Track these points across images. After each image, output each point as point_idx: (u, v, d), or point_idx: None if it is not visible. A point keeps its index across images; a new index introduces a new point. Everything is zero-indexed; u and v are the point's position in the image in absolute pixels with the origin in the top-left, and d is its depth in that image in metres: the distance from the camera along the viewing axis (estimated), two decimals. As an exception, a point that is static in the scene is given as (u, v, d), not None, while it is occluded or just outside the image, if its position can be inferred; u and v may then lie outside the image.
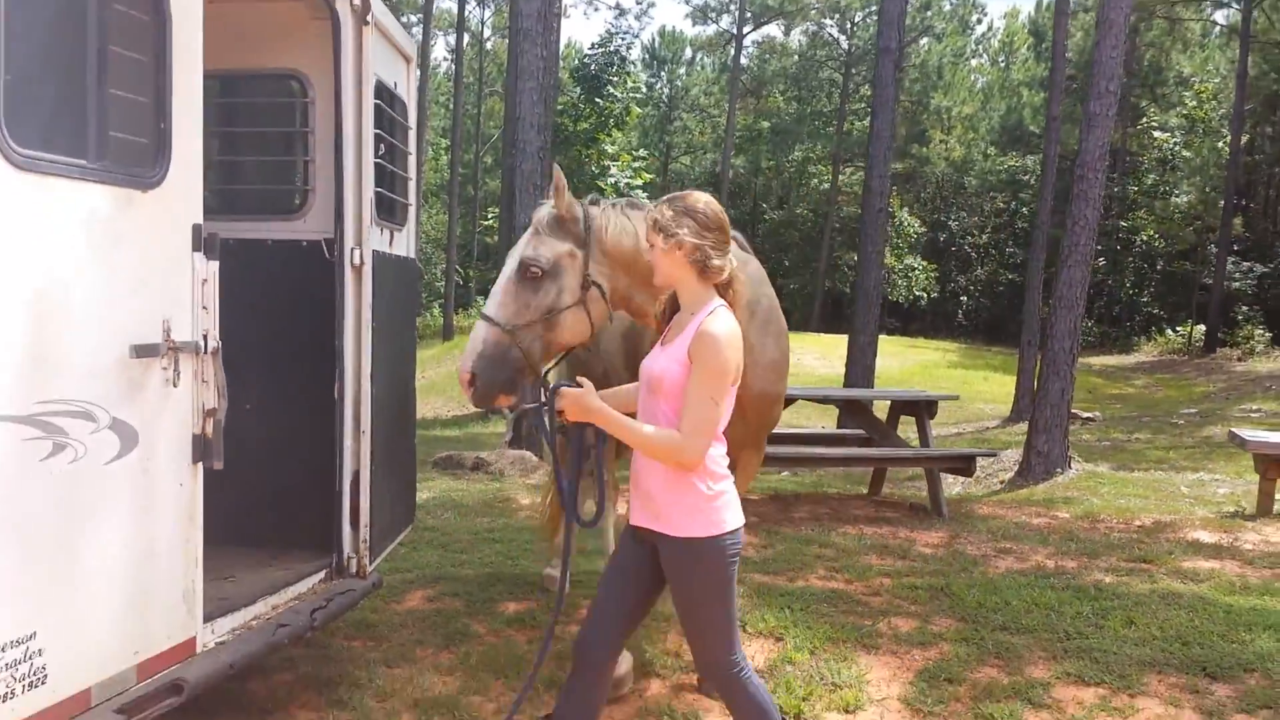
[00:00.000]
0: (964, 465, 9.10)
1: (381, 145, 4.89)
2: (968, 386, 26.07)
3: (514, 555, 7.09)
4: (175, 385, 3.42)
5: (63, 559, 3.00)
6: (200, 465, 3.56)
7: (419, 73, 39.31)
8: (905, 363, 30.08)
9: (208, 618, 3.73)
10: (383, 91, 4.96)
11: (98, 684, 3.16)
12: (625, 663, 4.57)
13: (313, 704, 4.51)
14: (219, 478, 3.66)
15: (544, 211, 3.97)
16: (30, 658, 2.90)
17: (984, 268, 45.11)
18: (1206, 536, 8.00)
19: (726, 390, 3.18)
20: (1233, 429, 11.10)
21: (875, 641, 5.38)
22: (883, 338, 34.93)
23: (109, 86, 3.18)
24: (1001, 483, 12.27)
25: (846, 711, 4.60)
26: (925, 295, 42.94)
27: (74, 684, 3.07)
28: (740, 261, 4.27)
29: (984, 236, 45.42)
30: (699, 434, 3.12)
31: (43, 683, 2.94)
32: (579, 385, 3.33)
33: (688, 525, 3.24)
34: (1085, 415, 20.29)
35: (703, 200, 3.30)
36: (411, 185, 5.50)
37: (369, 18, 4.68)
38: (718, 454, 3.29)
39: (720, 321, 3.18)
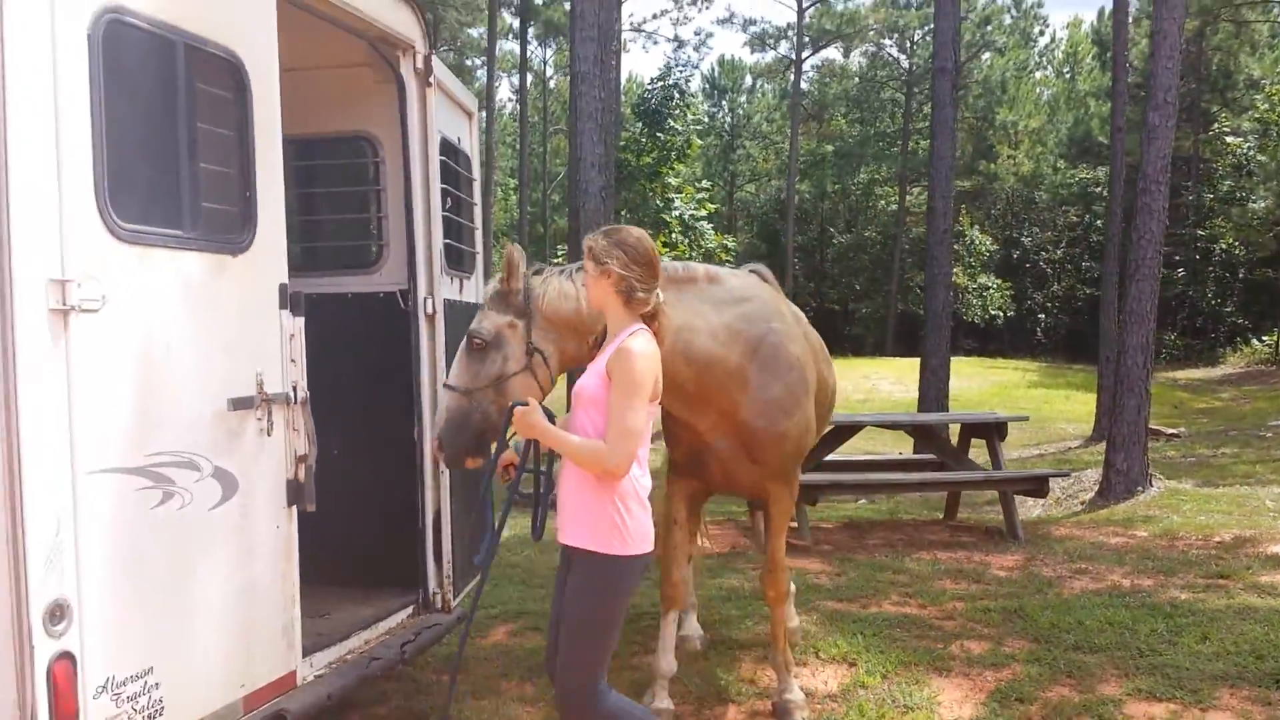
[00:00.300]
0: (1037, 487, 9.06)
1: (448, 198, 5.15)
2: (1048, 406, 25.73)
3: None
4: (269, 434, 3.68)
5: (174, 599, 3.25)
6: (294, 508, 3.81)
7: (484, 117, 40.14)
8: (983, 384, 29.74)
9: (306, 652, 3.97)
10: (447, 147, 5.23)
11: (208, 715, 3.40)
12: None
13: (403, 734, 4.71)
14: (311, 520, 3.90)
15: (490, 286, 4.16)
16: (149, 691, 3.14)
17: (1060, 283, 44.38)
18: (1289, 550, 7.89)
19: (644, 401, 3.34)
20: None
21: (947, 664, 5.45)
22: (960, 359, 34.63)
23: (199, 161, 3.46)
24: (1082, 503, 12.13)
25: (919, 732, 4.68)
26: (1001, 314, 42.36)
27: (187, 716, 3.30)
28: (742, 298, 4.48)
29: (1059, 251, 44.71)
30: (621, 441, 3.31)
31: (160, 714, 3.18)
32: (526, 404, 3.56)
33: (588, 539, 3.42)
34: (1169, 431, 19.92)
35: (634, 235, 3.50)
36: (478, 234, 5.76)
37: (431, 79, 4.96)
38: (644, 482, 3.46)
39: (638, 341, 3.39)
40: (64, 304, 2.85)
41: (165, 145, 3.35)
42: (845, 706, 4.91)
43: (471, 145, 5.82)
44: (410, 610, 4.86)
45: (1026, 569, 7.63)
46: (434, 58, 5.03)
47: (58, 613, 2.81)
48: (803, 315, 5.21)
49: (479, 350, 4.03)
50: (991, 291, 41.67)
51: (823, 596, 6.86)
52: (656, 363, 3.42)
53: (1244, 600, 6.54)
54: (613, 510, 3.39)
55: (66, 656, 2.84)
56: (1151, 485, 11.81)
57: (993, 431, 9.35)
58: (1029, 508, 12.51)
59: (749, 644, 5.87)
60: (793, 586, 5.63)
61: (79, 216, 2.93)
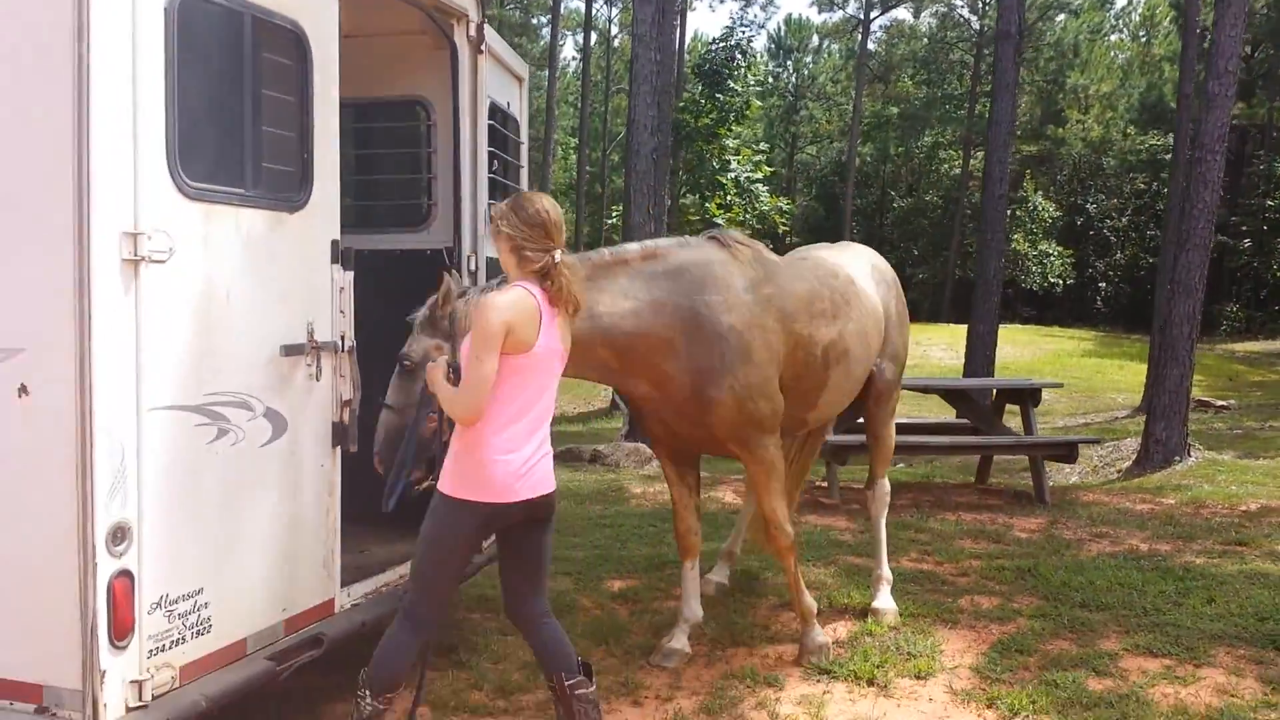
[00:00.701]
0: (1066, 452, 9.22)
1: (495, 161, 5.43)
2: (1100, 376, 25.56)
3: (623, 539, 7.59)
4: (318, 379, 4.02)
5: (225, 527, 3.61)
6: (338, 449, 4.15)
7: (546, 75, 40.25)
8: (1037, 352, 29.55)
9: (345, 583, 4.33)
10: (496, 112, 5.50)
11: (251, 635, 3.76)
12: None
13: (436, 665, 5.07)
14: (354, 461, 4.24)
15: (420, 312, 4.27)
16: (198, 609, 3.51)
17: (1124, 252, 43.65)
18: (1313, 523, 8.00)
19: (491, 352, 3.47)
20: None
21: (955, 617, 5.70)
22: (1016, 327, 34.35)
23: (262, 124, 3.76)
24: (1119, 472, 12.21)
25: (918, 678, 4.94)
26: (1061, 282, 41.83)
27: (232, 634, 3.67)
28: (680, 270, 4.64)
29: (1124, 219, 43.91)
30: (466, 390, 3.52)
31: (208, 631, 3.55)
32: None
33: (442, 477, 3.69)
34: (1218, 404, 19.78)
35: (534, 203, 3.67)
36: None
37: (483, 46, 5.22)
38: (506, 434, 3.58)
39: (501, 294, 3.58)
40: (135, 254, 3.18)
41: (231, 110, 3.66)
42: (851, 652, 5.18)
43: (521, 110, 6.09)
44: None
45: (1048, 532, 7.82)
46: (486, 25, 5.29)
47: (119, 534, 3.17)
48: (790, 267, 5.21)
49: (409, 372, 4.17)
50: (1052, 258, 41.10)
51: (844, 552, 7.13)
52: (514, 313, 3.51)
53: (1257, 566, 6.70)
54: (456, 452, 3.64)
55: (125, 574, 3.20)
56: (1190, 455, 11.86)
57: (1026, 397, 9.50)
58: (1065, 474, 12.62)
59: (766, 594, 6.17)
60: (888, 573, 5.95)
61: (151, 175, 3.26)
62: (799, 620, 5.26)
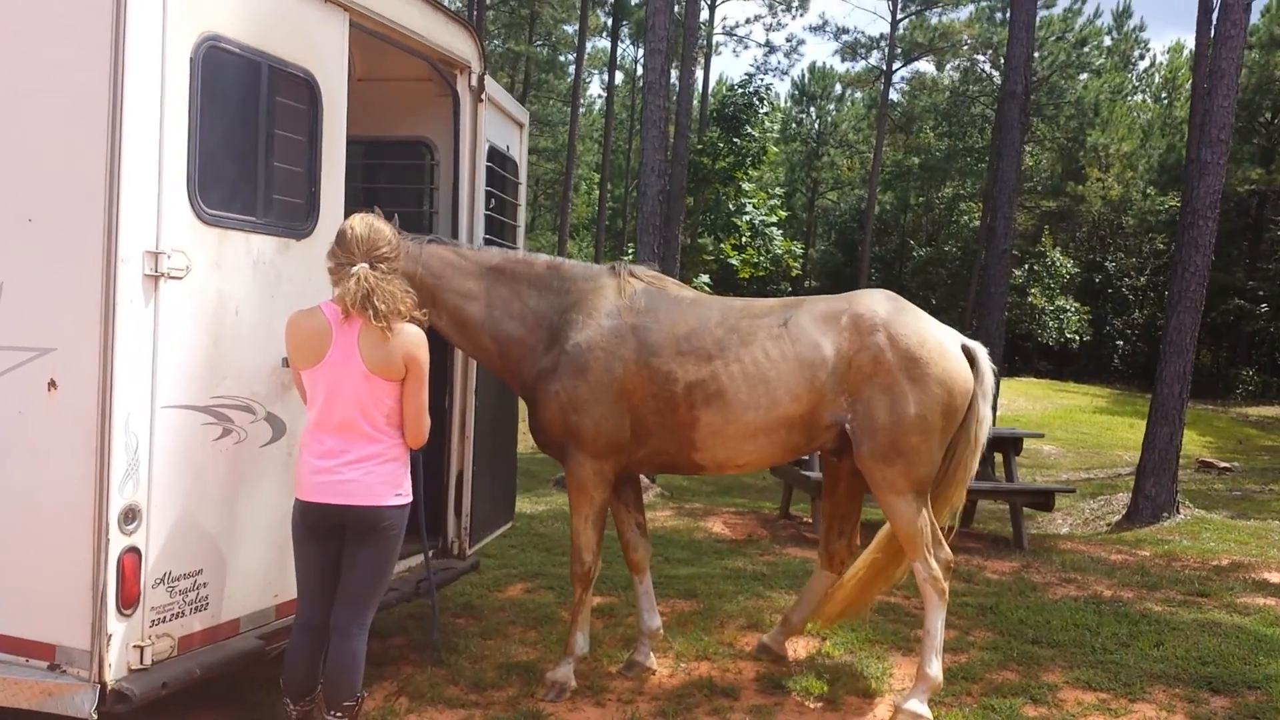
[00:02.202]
0: (1043, 500, 9.53)
1: (492, 199, 5.88)
2: (1109, 433, 25.72)
3: (608, 559, 7.91)
4: (314, 390, 4.43)
5: (225, 516, 4.03)
6: (331, 454, 4.55)
7: (569, 113, 41.00)
8: (1049, 407, 29.76)
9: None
10: (495, 154, 5.95)
11: (245, 616, 4.18)
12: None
13: (416, 662, 5.46)
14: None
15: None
16: (197, 588, 3.92)
17: (1142, 311, 43.80)
18: (1276, 577, 8.25)
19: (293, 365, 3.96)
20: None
21: (911, 645, 6.02)
22: (1029, 381, 34.51)
23: (274, 160, 4.22)
24: (1108, 525, 12.48)
25: (865, 696, 5.28)
26: (1078, 338, 41.99)
27: (228, 613, 4.09)
28: (566, 289, 5.10)
29: (1142, 279, 44.10)
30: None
31: (205, 608, 3.96)
32: None
33: None
34: (1222, 465, 19.97)
35: (344, 224, 3.99)
36: (520, 231, 6.48)
37: (483, 95, 5.69)
38: (310, 436, 3.90)
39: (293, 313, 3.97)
40: (156, 271, 3.64)
41: (247, 147, 4.12)
42: (805, 671, 5.53)
43: (520, 153, 6.55)
44: (430, 555, 5.59)
45: (1019, 575, 8.13)
46: (487, 77, 5.76)
47: (130, 515, 3.60)
48: (685, 305, 5.13)
49: None
50: (1069, 314, 41.31)
51: (816, 582, 7.47)
52: (289, 340, 3.91)
53: (1213, 616, 6.98)
54: None
55: (134, 551, 3.63)
56: (1179, 512, 12.09)
57: (1009, 446, 9.84)
58: (1057, 525, 12.92)
59: (736, 615, 6.51)
60: (935, 675, 5.03)
61: (172, 202, 3.73)
62: (564, 648, 5.34)
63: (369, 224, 3.95)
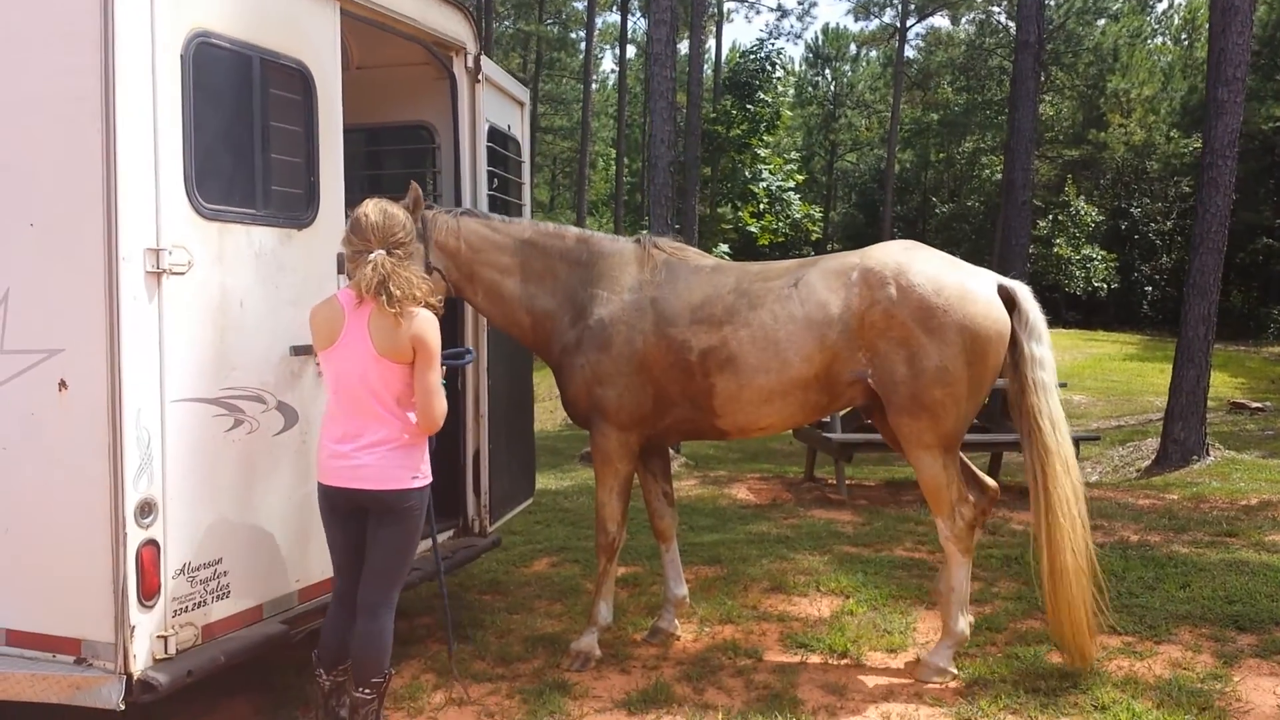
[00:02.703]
0: (1067, 449, 9.45)
1: (494, 179, 5.90)
2: (1140, 379, 25.46)
3: (632, 531, 7.96)
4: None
5: (242, 504, 4.10)
6: (345, 439, 4.62)
7: (581, 89, 40.87)
8: (1077, 357, 29.45)
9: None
10: (496, 134, 5.97)
11: (268, 601, 4.26)
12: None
13: (443, 639, 5.52)
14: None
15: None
16: (218, 576, 4.00)
17: (1170, 256, 43.24)
18: (1306, 515, 8.21)
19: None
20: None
21: (935, 600, 6.04)
22: (1058, 332, 34.19)
23: (271, 152, 4.26)
24: (1138, 471, 12.44)
25: (889, 651, 5.31)
26: (1105, 286, 41.57)
27: (250, 600, 4.16)
28: (593, 261, 5.14)
29: (1169, 223, 43.49)
30: None
31: (227, 596, 4.04)
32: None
33: None
34: (1254, 405, 19.75)
35: (357, 211, 3.99)
36: (526, 209, 6.50)
37: (480, 76, 5.70)
38: (328, 419, 4.00)
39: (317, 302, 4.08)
40: (158, 267, 3.70)
41: (242, 140, 4.16)
42: (828, 629, 5.56)
43: (522, 132, 6.56)
44: (450, 533, 5.67)
45: (1044, 526, 8.10)
46: (483, 57, 5.78)
47: (146, 508, 3.67)
48: (702, 274, 5.12)
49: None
50: (1095, 263, 40.87)
51: (841, 542, 7.50)
52: (312, 318, 4.00)
53: (1240, 555, 6.95)
54: None
55: (152, 544, 3.71)
56: (1208, 455, 12.04)
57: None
58: (1086, 473, 12.85)
59: (759, 578, 6.56)
60: (962, 629, 5.02)
61: (171, 199, 3.77)
62: (588, 619, 5.40)
63: (383, 210, 3.96)
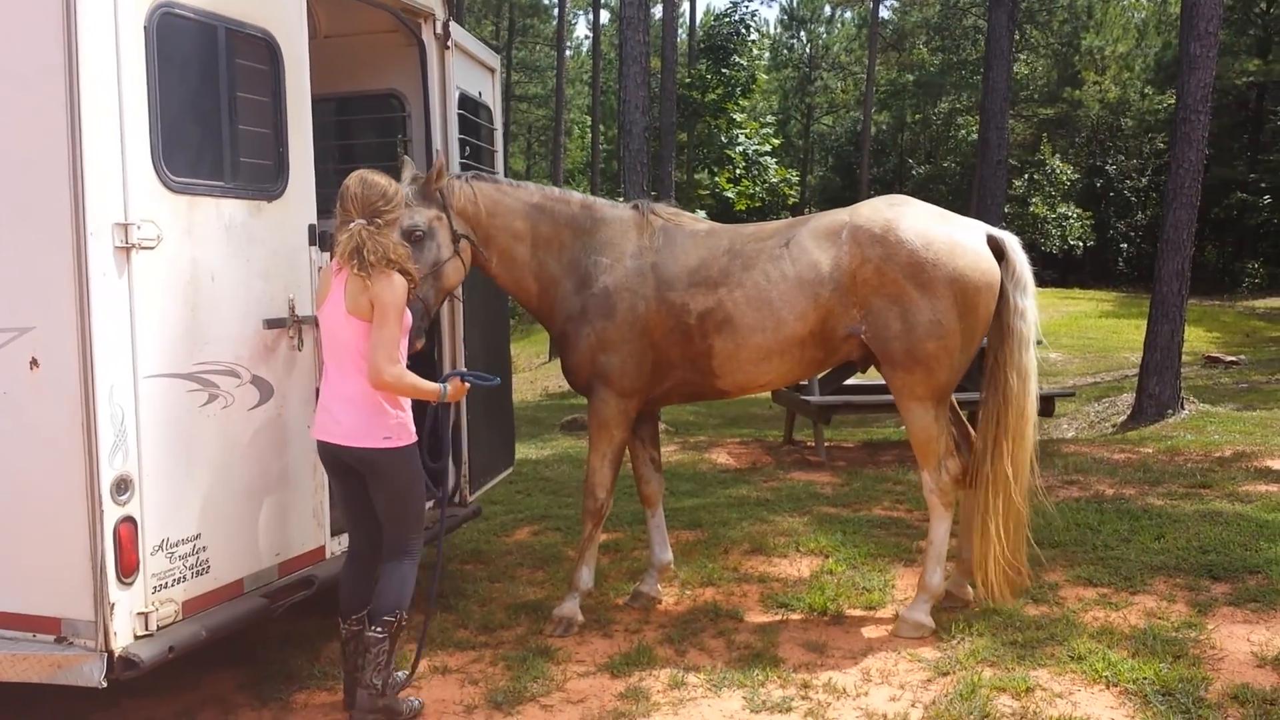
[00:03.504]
0: (1044, 406, 9.51)
1: (466, 147, 5.86)
2: (1117, 336, 25.65)
3: (617, 498, 8.02)
4: (300, 349, 4.48)
5: (219, 479, 4.08)
6: (322, 411, 4.60)
7: (555, 56, 40.54)
8: (1054, 315, 29.58)
9: (335, 532, 4.78)
10: (467, 101, 5.92)
11: (248, 575, 4.25)
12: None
13: (426, 609, 5.54)
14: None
15: (409, 187, 4.82)
16: (197, 552, 3.99)
17: (1145, 212, 43.41)
18: (1278, 464, 8.31)
19: None
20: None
21: (913, 556, 6.11)
22: (1037, 290, 34.30)
23: (238, 123, 4.21)
24: (1114, 427, 12.55)
25: (868, 608, 5.38)
26: (1081, 244, 41.71)
27: (230, 574, 4.15)
28: (594, 228, 5.17)
29: (1144, 180, 43.63)
30: None
31: (206, 571, 4.03)
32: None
33: None
34: (1228, 359, 19.95)
35: (343, 184, 4.15)
36: (499, 177, 6.45)
37: (450, 42, 5.65)
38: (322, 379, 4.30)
39: None
40: (127, 242, 3.66)
41: (209, 112, 4.11)
42: (808, 589, 5.62)
43: (494, 98, 6.51)
44: (430, 504, 5.66)
45: (1022, 482, 8.18)
46: (452, 23, 5.72)
47: (122, 485, 3.65)
48: (699, 238, 5.17)
49: (418, 242, 4.76)
50: (1071, 221, 40.98)
51: (820, 503, 7.56)
52: (320, 283, 4.30)
53: (1214, 506, 7.06)
54: None
55: (129, 520, 3.69)
56: (1183, 408, 12.17)
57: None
58: (1062, 430, 12.99)
59: (739, 540, 6.61)
60: (935, 585, 5.10)
61: (138, 173, 3.72)
62: (569, 584, 5.42)
63: (363, 180, 4.10)
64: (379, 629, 4.14)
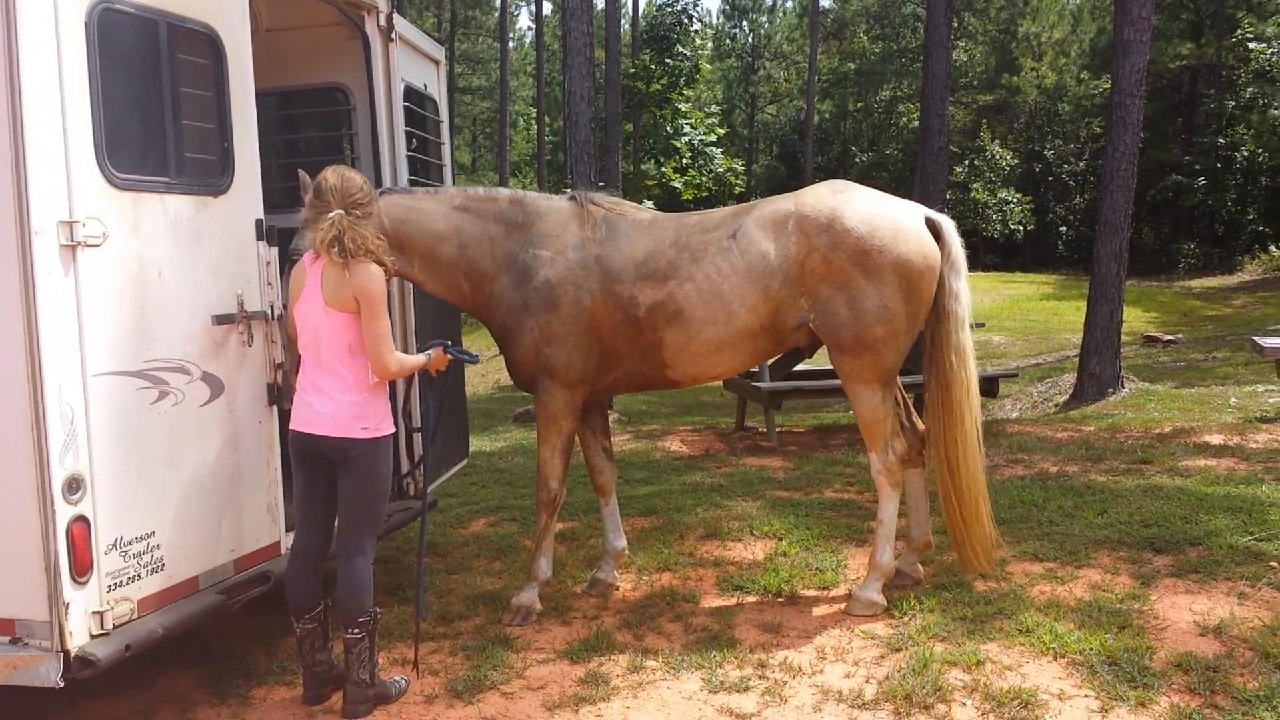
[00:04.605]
0: (987, 387, 9.71)
1: (413, 139, 5.85)
2: (1057, 318, 26.11)
3: (569, 487, 8.05)
4: (250, 345, 4.46)
5: (172, 477, 4.07)
6: (274, 407, 4.60)
7: (499, 49, 40.36)
8: (996, 299, 30.06)
9: (289, 528, 4.77)
10: (412, 94, 5.92)
11: (203, 572, 4.23)
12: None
13: (383, 602, 5.54)
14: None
15: (304, 213, 4.51)
16: (151, 550, 3.97)
17: (1083, 196, 44.20)
18: (1216, 439, 8.55)
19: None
20: (1253, 336, 11.45)
21: (864, 537, 6.21)
22: (979, 275, 34.78)
23: (182, 118, 4.18)
24: (1056, 406, 12.81)
25: (822, 588, 5.47)
26: (1022, 228, 42.37)
27: (185, 571, 4.14)
28: (529, 222, 5.14)
29: (1081, 164, 44.43)
30: None
31: (161, 569, 4.02)
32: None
33: None
34: (1166, 338, 20.39)
35: (320, 176, 4.25)
36: (447, 170, 6.47)
37: (393, 35, 5.64)
38: (299, 367, 4.34)
39: None
40: (72, 240, 3.63)
41: (153, 107, 4.08)
42: (763, 571, 5.70)
43: (440, 90, 6.51)
44: (410, 484, 5.70)
45: (968, 462, 8.34)
46: (395, 15, 5.71)
47: (74, 484, 3.63)
48: (642, 228, 5.18)
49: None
50: (1012, 206, 41.62)
51: (773, 487, 7.65)
52: (292, 278, 4.35)
53: (1155, 481, 7.24)
54: None
55: (82, 520, 3.67)
56: (1123, 387, 12.45)
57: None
58: (1006, 410, 13.24)
59: (694, 525, 6.67)
60: (886, 562, 5.21)
61: (82, 169, 3.70)
62: (527, 574, 5.47)
63: (340, 173, 4.23)
64: (355, 630, 4.20)
